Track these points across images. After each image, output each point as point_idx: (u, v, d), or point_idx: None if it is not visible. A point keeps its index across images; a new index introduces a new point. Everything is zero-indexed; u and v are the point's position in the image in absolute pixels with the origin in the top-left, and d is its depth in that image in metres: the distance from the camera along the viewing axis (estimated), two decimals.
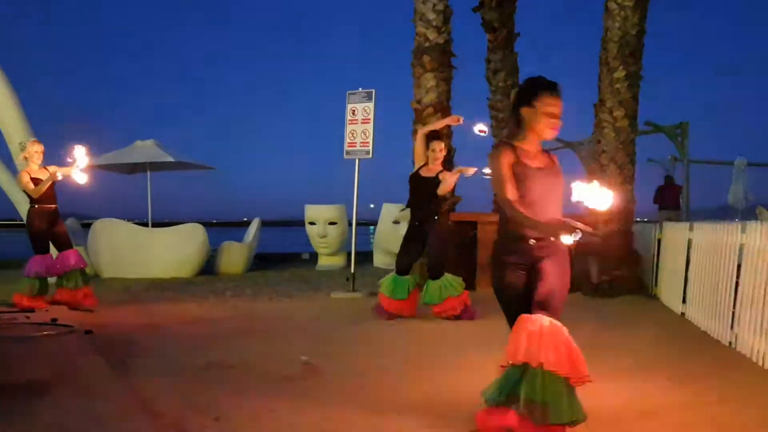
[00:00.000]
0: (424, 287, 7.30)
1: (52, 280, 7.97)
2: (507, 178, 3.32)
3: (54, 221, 7.82)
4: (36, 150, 7.76)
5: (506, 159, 3.35)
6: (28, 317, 7.17)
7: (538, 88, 3.38)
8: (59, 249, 7.91)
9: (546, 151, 3.50)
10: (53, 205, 7.79)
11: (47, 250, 7.81)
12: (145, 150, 14.09)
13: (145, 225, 13.61)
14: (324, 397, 4.19)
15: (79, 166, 7.62)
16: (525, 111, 3.39)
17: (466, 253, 9.87)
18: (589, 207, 3.30)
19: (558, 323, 3.22)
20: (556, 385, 3.13)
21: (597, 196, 3.26)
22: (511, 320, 3.35)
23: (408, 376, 4.73)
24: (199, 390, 4.35)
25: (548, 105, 3.35)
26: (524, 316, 3.25)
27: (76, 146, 7.66)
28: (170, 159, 13.73)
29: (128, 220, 13.17)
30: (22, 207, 11.09)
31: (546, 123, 3.37)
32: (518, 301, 3.36)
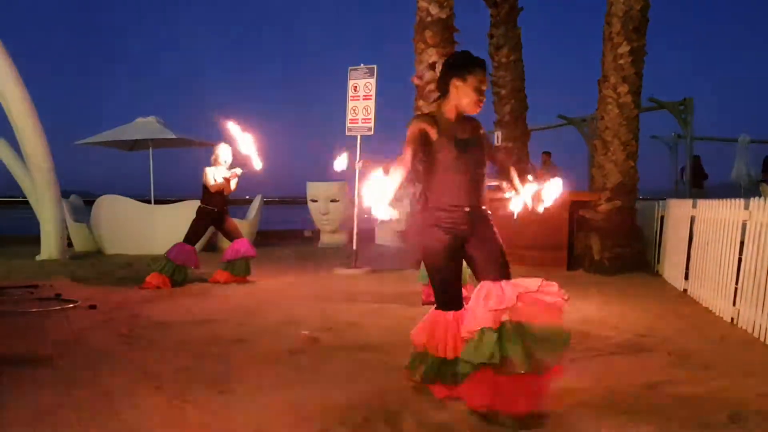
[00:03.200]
0: None
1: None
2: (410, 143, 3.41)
3: (215, 222, 8.44)
4: (217, 153, 8.33)
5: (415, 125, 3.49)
6: (32, 292, 7.20)
7: (471, 63, 3.52)
8: (231, 240, 8.53)
9: (470, 119, 3.65)
10: (215, 208, 8.30)
11: (191, 243, 8.26)
12: (147, 127, 14.04)
13: (148, 202, 13.61)
14: (327, 371, 4.22)
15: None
16: (456, 83, 3.51)
17: None
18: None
19: None
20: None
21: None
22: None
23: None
24: (203, 363, 4.38)
25: (480, 81, 3.50)
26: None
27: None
28: (172, 136, 13.69)
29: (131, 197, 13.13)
30: (24, 183, 11.11)
31: (474, 98, 3.51)
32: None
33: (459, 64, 3.53)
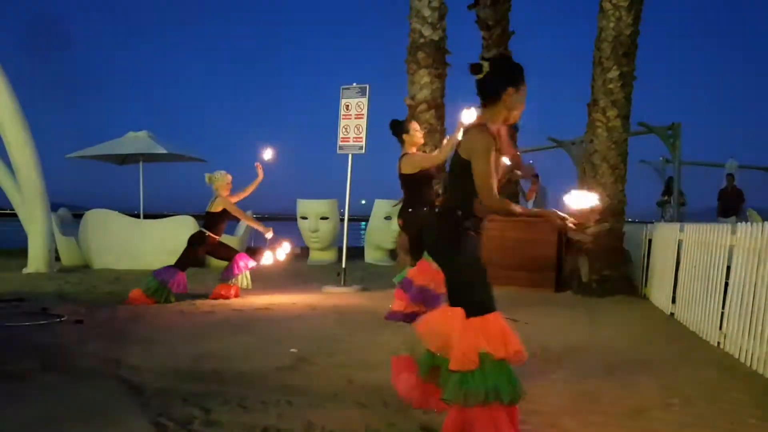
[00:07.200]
0: None
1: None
2: (492, 169, 3.16)
3: (211, 250, 8.51)
4: (227, 181, 8.49)
5: (492, 145, 3.19)
6: (18, 306, 7.15)
7: (522, 74, 3.31)
8: (229, 260, 8.54)
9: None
10: (217, 237, 8.43)
11: (183, 269, 8.19)
12: (138, 141, 14.05)
13: (137, 216, 13.58)
14: (313, 389, 4.20)
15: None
16: (510, 92, 3.25)
17: None
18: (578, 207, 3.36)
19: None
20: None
21: (583, 199, 3.32)
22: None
23: None
24: (188, 380, 4.35)
25: (525, 94, 3.32)
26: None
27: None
28: (163, 151, 13.70)
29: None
30: (13, 195, 11.06)
31: (519, 110, 3.31)
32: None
33: (515, 71, 3.29)
